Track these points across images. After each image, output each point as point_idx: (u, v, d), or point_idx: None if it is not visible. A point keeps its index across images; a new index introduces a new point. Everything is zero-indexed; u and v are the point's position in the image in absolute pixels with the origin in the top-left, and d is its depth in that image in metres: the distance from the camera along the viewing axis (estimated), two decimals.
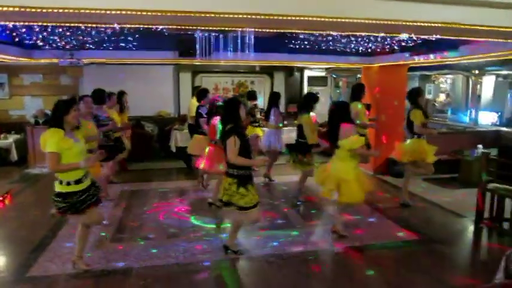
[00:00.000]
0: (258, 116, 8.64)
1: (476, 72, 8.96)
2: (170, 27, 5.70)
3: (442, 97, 10.95)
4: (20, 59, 6.34)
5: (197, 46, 6.55)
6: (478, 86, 9.33)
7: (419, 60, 6.54)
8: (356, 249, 4.51)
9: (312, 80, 10.74)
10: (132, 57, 6.88)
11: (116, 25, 4.18)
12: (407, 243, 4.76)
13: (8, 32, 5.65)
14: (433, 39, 5.43)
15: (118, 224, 5.18)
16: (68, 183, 3.49)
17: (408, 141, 5.89)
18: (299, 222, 5.39)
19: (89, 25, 5.09)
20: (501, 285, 2.75)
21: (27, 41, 6.10)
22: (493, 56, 5.11)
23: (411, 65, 9.20)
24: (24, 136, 8.65)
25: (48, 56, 6.45)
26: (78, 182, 3.54)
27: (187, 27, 5.55)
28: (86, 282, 3.74)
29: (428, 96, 10.35)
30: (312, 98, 6.09)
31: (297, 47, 7.23)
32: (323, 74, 10.96)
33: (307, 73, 10.90)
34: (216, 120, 5.28)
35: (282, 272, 3.95)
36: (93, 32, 5.96)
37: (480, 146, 7.17)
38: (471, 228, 5.28)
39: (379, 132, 7.72)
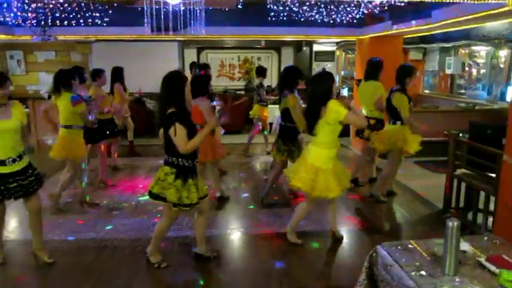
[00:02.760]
0: (265, 95, 7.96)
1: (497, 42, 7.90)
2: None
3: (473, 72, 9.86)
4: (3, 36, 6.59)
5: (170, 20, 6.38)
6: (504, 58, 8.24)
7: (402, 29, 5.86)
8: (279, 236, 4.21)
9: (319, 55, 10.15)
10: (105, 33, 6.88)
11: None
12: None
13: None
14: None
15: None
16: None
17: (387, 127, 4.98)
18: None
19: None
20: None
21: (8, 19, 6.37)
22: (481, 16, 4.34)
23: (427, 35, 8.43)
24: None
25: (29, 33, 6.64)
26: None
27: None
28: None
29: (448, 71, 9.34)
30: (296, 74, 4.89)
31: (282, 19, 6.83)
32: (333, 48, 10.30)
33: (315, 48, 10.31)
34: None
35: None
36: (66, 5, 6.06)
37: None
38: (432, 218, 4.74)
39: None
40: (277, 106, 5.21)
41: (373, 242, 4.05)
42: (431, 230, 4.42)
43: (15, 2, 6.08)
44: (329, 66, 10.05)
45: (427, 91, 10.07)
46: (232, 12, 7.02)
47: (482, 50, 8.90)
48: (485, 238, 2.48)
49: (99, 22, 6.38)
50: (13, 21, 6.38)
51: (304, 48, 10.39)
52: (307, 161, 3.75)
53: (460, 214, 4.58)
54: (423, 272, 2.06)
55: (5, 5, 6.19)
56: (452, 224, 2.03)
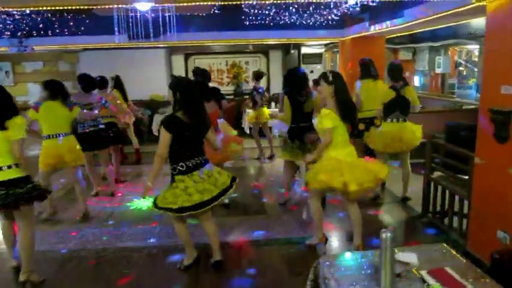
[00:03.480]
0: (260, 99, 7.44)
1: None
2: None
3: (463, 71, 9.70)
4: None
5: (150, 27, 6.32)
6: None
7: (378, 29, 5.74)
8: (254, 243, 4.11)
9: (307, 58, 10.03)
10: (87, 42, 6.85)
11: None
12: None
13: None
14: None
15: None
16: None
17: (390, 124, 4.88)
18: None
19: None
20: None
21: None
22: (445, 15, 4.23)
23: (415, 35, 8.31)
24: None
25: (6, 45, 6.62)
26: None
27: None
28: None
29: (438, 71, 9.20)
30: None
31: (262, 22, 6.75)
32: (321, 50, 10.19)
33: (303, 50, 10.20)
34: None
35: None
36: (38, 19, 6.03)
37: None
38: (410, 223, 4.61)
39: None
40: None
41: (341, 250, 3.98)
42: (408, 235, 4.30)
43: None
44: (318, 68, 9.94)
45: (419, 91, 9.92)
46: (212, 17, 6.97)
47: (476, 49, 8.76)
48: (435, 248, 2.35)
49: (75, 31, 6.32)
50: None
51: (292, 51, 10.27)
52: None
53: (438, 218, 4.45)
54: (358, 287, 1.95)
55: None
56: (386, 236, 1.91)
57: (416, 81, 10.06)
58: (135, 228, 4.52)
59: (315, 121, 3.62)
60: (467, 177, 3.87)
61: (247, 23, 6.67)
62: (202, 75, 5.75)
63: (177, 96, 3.18)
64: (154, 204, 3.25)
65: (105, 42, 6.90)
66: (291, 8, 6.32)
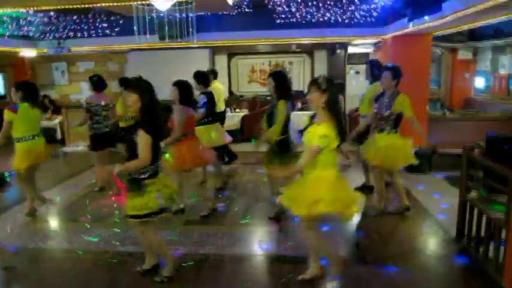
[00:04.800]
0: None
1: None
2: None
3: None
4: (27, 49, 6.95)
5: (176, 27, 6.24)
6: None
7: (416, 25, 5.12)
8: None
9: (352, 58, 9.43)
10: (119, 43, 6.95)
11: None
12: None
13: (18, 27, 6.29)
14: None
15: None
16: None
17: (385, 136, 4.43)
18: None
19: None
20: None
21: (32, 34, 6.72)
22: (486, 8, 3.60)
23: (476, 32, 7.49)
24: None
25: (46, 46, 6.92)
26: None
27: None
28: None
29: (502, 71, 8.14)
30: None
31: (295, 21, 6.41)
32: (369, 50, 9.53)
33: (350, 50, 9.61)
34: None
35: None
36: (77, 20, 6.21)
37: None
38: (441, 247, 4.00)
39: None
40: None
41: (362, 273, 3.50)
42: (436, 262, 3.73)
43: (37, 19, 6.38)
44: (364, 68, 9.31)
45: (479, 94, 8.91)
46: (243, 16, 6.74)
47: None
48: None
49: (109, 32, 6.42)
50: (36, 35, 6.69)
51: (338, 51, 9.74)
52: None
53: (473, 245, 3.81)
54: None
55: (34, 21, 6.51)
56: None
57: (480, 83, 9.01)
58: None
59: (313, 132, 2.98)
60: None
61: (279, 22, 6.34)
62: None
63: (144, 99, 2.99)
64: (131, 216, 3.07)
65: (136, 43, 6.97)
66: (327, 4, 5.91)
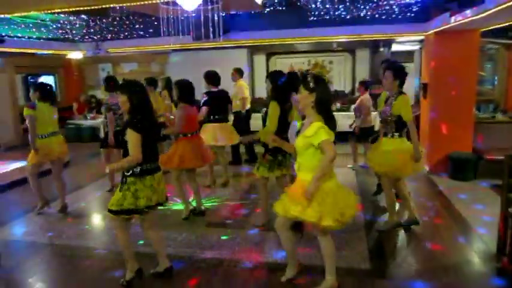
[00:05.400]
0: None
1: None
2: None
3: None
4: (70, 51, 7.27)
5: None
6: None
7: (459, 20, 4.69)
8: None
9: (396, 56, 8.92)
10: (155, 44, 7.05)
11: None
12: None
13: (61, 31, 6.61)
14: None
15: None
16: None
17: (387, 141, 4.09)
18: None
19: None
20: None
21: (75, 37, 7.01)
22: None
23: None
24: None
25: (87, 48, 7.19)
26: None
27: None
28: None
29: None
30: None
31: (331, 18, 6.15)
32: (415, 47, 8.99)
33: (394, 48, 9.13)
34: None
35: None
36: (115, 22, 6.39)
37: None
38: (476, 266, 3.61)
39: (436, 121, 5.98)
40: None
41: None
42: (469, 282, 3.37)
43: (77, 22, 6.64)
44: (409, 67, 8.78)
45: None
46: (280, 14, 6.58)
47: None
48: None
49: (143, 34, 6.54)
50: (76, 38, 6.98)
51: (382, 49, 9.29)
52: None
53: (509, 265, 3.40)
54: None
55: (74, 24, 6.79)
56: None
57: None
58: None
59: (304, 133, 2.86)
60: None
61: (316, 19, 6.12)
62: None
63: (133, 100, 3.07)
64: (108, 210, 3.15)
65: (162, 44, 7.07)
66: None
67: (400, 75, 4.00)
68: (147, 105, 3.16)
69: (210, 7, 4.82)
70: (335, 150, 2.74)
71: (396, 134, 4.01)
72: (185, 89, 4.56)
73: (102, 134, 9.86)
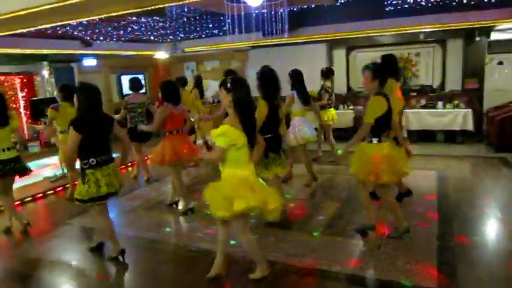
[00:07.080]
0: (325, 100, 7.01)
1: None
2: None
3: None
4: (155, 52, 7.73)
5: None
6: None
7: None
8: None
9: (494, 46, 7.84)
10: (229, 41, 7.12)
11: None
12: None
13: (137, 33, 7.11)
14: None
15: None
16: None
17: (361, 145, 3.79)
18: None
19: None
20: None
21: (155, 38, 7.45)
22: None
23: None
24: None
25: (166, 48, 7.56)
26: None
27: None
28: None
29: None
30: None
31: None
32: None
33: (493, 36, 8.05)
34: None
35: None
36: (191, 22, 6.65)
37: None
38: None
39: None
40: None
41: None
42: None
43: (156, 24, 7.03)
44: (506, 57, 7.76)
45: None
46: (358, 4, 6.23)
47: None
48: None
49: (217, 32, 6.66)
50: (155, 39, 7.39)
51: (478, 39, 8.27)
52: None
53: None
54: None
55: (155, 25, 7.22)
56: None
57: None
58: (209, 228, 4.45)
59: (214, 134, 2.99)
60: None
61: (390, 9, 5.67)
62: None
63: (80, 99, 3.51)
64: (77, 200, 3.58)
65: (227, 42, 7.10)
66: None
67: (379, 74, 3.63)
68: (92, 106, 3.51)
69: (273, 2, 4.69)
70: (220, 156, 2.97)
71: (375, 139, 3.66)
72: (168, 89, 4.73)
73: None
